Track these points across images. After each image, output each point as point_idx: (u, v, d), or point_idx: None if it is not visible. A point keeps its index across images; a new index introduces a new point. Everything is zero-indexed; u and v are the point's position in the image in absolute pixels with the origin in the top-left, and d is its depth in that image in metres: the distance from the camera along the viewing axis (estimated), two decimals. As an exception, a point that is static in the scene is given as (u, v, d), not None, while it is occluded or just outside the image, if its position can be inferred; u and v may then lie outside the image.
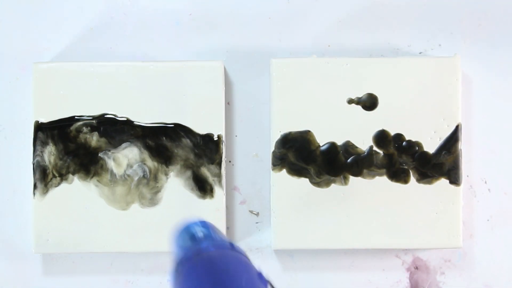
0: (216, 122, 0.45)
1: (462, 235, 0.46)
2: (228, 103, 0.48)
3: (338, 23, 0.49)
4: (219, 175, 0.45)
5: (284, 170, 0.45)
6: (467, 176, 0.48)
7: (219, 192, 0.45)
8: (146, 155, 0.45)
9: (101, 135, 0.45)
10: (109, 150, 0.45)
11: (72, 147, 0.45)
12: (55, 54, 0.49)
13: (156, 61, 0.46)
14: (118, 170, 0.45)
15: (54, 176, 0.45)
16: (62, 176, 0.45)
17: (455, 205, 0.45)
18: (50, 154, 0.45)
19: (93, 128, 0.45)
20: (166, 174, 0.45)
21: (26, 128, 0.48)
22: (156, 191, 0.45)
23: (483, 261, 0.48)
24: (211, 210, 0.45)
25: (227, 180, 0.47)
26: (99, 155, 0.45)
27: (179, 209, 0.45)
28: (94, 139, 0.45)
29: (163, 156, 0.45)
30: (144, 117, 0.45)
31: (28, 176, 0.46)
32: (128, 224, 0.45)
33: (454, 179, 0.45)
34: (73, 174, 0.45)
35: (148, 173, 0.45)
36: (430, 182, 0.45)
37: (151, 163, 0.45)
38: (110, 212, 0.45)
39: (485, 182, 0.48)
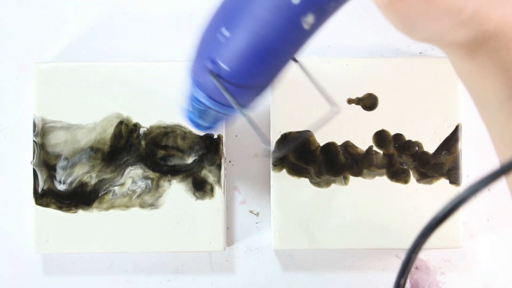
0: (216, 122, 0.45)
1: (462, 235, 0.46)
2: (228, 103, 0.48)
3: (338, 23, 0.49)
4: (219, 175, 0.45)
5: (284, 170, 0.45)
6: (467, 176, 0.48)
7: (219, 192, 0.45)
8: (149, 172, 0.45)
9: (102, 167, 0.45)
10: (115, 183, 0.45)
11: (66, 193, 0.45)
12: (55, 54, 0.49)
13: (156, 61, 0.46)
14: (120, 190, 0.45)
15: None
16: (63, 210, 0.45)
17: (455, 205, 0.45)
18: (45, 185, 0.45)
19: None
20: (169, 181, 0.45)
21: (26, 128, 0.48)
22: (158, 196, 0.45)
23: (483, 261, 0.48)
24: (211, 210, 0.45)
25: (227, 180, 0.47)
26: (99, 195, 0.45)
27: (179, 209, 0.45)
28: (93, 178, 0.45)
29: (166, 170, 0.45)
30: (143, 117, 0.45)
31: (28, 176, 0.46)
32: (128, 224, 0.45)
33: (454, 179, 0.45)
34: (76, 208, 0.45)
35: (150, 184, 0.45)
36: (430, 182, 0.45)
37: (154, 175, 0.45)
38: (110, 212, 0.45)
39: (485, 182, 0.48)
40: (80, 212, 0.45)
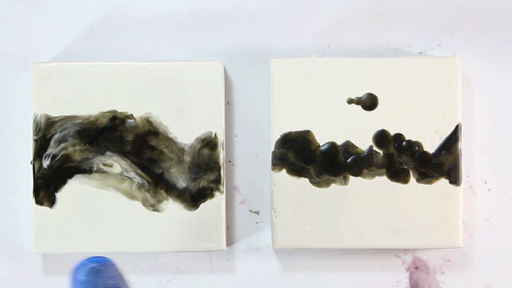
0: (216, 122, 0.45)
1: (462, 235, 0.46)
2: (228, 103, 0.48)
3: (338, 23, 0.49)
4: (219, 176, 0.45)
5: (284, 170, 0.45)
6: (467, 176, 0.48)
7: (219, 192, 0.45)
8: (138, 169, 0.45)
9: (84, 143, 0.45)
10: (100, 160, 0.45)
11: (55, 165, 0.45)
12: (55, 54, 0.49)
13: (156, 61, 0.46)
14: (109, 170, 0.45)
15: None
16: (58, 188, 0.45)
17: (455, 205, 0.45)
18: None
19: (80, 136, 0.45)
20: (166, 193, 0.45)
21: (25, 128, 0.48)
22: (159, 200, 0.45)
23: (483, 261, 0.48)
24: (211, 210, 0.45)
25: (227, 180, 0.47)
26: (88, 169, 0.45)
27: (179, 209, 0.45)
28: (77, 152, 0.45)
29: (157, 178, 0.45)
30: (140, 116, 0.45)
31: (28, 176, 0.46)
32: (128, 224, 0.45)
33: (454, 179, 0.45)
34: (60, 187, 0.45)
35: (147, 185, 0.45)
36: (430, 182, 0.45)
37: (146, 177, 0.45)
38: (110, 211, 0.45)
39: (485, 182, 0.49)
40: (79, 210, 0.45)
